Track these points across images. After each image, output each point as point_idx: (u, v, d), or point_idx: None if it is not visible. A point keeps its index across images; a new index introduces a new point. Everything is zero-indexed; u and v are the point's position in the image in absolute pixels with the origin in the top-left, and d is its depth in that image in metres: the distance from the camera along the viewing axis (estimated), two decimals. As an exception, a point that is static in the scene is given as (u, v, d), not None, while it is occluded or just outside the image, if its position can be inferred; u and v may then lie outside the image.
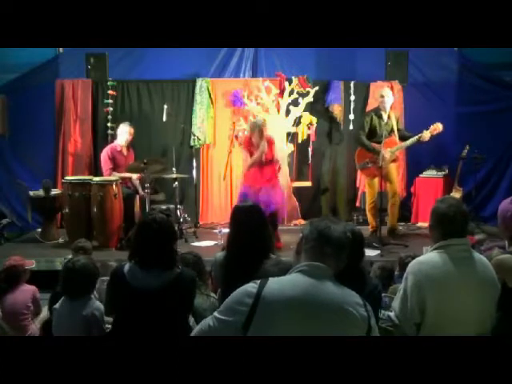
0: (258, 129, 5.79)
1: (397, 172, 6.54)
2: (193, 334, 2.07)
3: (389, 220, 6.32)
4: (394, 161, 6.18)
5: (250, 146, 5.91)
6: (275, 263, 2.53)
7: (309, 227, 2.01)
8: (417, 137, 5.97)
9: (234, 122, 6.99)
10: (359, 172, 6.90)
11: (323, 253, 1.95)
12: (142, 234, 2.71)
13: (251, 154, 5.89)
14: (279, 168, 6.28)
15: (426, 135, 5.89)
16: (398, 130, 6.21)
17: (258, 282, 1.94)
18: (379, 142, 5.89)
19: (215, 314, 1.98)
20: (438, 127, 5.87)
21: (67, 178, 6.42)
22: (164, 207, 6.44)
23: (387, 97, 6.10)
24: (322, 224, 1.99)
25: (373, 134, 6.09)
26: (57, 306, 3.02)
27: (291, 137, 7.29)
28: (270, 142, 5.85)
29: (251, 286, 1.93)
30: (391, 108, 6.20)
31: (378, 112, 6.16)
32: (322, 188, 7.62)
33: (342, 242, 1.98)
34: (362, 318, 1.90)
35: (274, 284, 1.92)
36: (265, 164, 5.83)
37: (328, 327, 1.86)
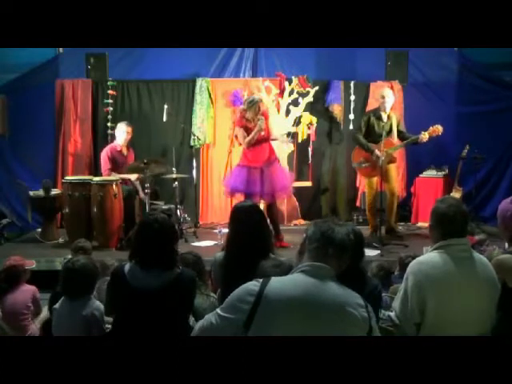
0: (256, 105, 5.69)
1: (396, 173, 6.49)
2: (194, 330, 2.09)
3: (387, 221, 6.30)
4: (392, 161, 6.12)
5: (246, 123, 5.76)
6: (276, 264, 2.53)
7: (312, 228, 2.03)
8: (414, 137, 5.92)
9: (234, 122, 6.97)
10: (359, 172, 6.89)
11: (326, 254, 1.97)
12: (143, 234, 2.70)
13: (247, 130, 5.75)
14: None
15: (425, 137, 5.80)
16: (400, 131, 6.16)
17: (261, 280, 1.95)
18: (375, 142, 5.87)
19: (217, 310, 2.00)
20: (437, 129, 5.76)
21: (67, 178, 6.41)
22: (166, 207, 6.43)
23: (388, 97, 6.06)
24: (325, 225, 2.02)
25: (369, 134, 6.07)
26: (57, 306, 3.02)
27: (291, 137, 7.29)
28: (265, 117, 5.76)
29: (253, 285, 1.94)
30: (392, 109, 6.18)
31: (376, 112, 6.13)
32: (322, 188, 7.61)
33: (344, 244, 2.00)
34: (363, 319, 1.90)
35: (276, 283, 1.93)
36: (262, 141, 5.74)
37: (329, 327, 1.86)
